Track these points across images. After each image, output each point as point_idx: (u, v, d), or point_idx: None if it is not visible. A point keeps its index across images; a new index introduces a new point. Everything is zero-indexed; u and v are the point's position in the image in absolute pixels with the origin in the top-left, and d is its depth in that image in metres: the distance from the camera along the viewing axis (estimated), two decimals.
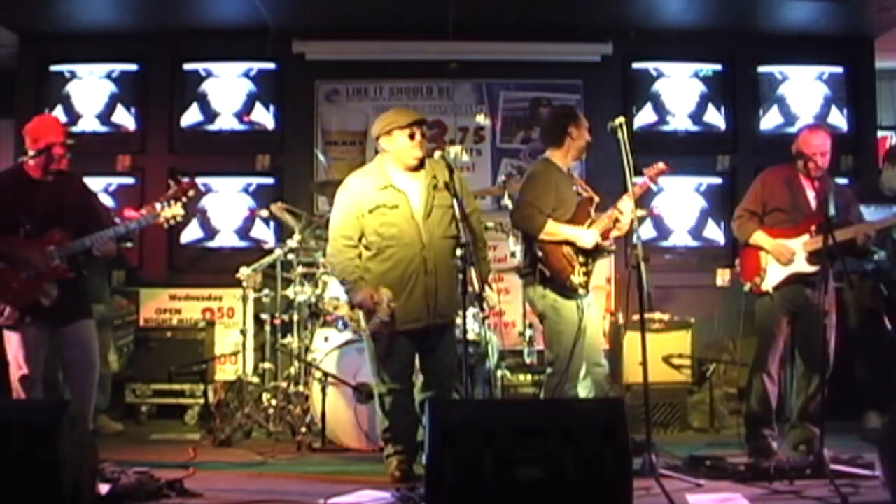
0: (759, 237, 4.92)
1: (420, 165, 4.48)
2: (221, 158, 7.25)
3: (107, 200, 6.70)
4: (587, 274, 4.71)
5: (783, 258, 4.83)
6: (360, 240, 4.44)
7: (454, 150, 7.12)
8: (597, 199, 4.85)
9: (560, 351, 4.68)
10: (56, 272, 4.46)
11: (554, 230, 4.64)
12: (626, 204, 4.67)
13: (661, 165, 4.79)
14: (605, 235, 4.73)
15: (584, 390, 4.80)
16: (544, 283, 4.68)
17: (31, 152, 4.51)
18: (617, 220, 4.71)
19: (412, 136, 4.42)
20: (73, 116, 7.20)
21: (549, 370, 4.81)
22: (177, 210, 4.66)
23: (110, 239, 4.53)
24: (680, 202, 7.32)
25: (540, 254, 4.65)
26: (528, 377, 5.83)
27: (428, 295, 4.40)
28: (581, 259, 4.67)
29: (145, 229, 4.79)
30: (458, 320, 4.42)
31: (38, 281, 4.43)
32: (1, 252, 4.41)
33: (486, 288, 4.60)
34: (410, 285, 4.39)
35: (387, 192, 4.43)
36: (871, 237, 4.87)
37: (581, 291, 4.70)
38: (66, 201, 4.59)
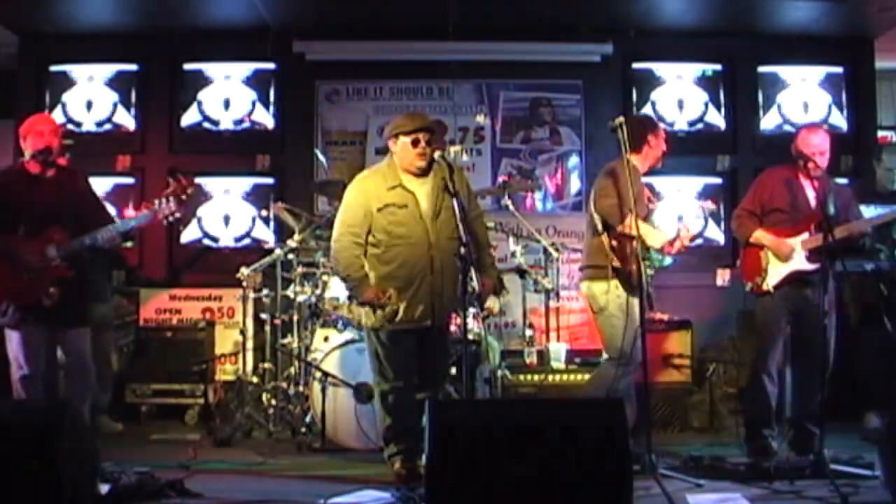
0: (760, 235, 4.92)
1: (427, 169, 4.49)
2: (221, 158, 7.25)
3: (106, 200, 6.70)
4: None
5: (782, 253, 4.83)
6: (366, 238, 4.46)
7: (454, 150, 7.12)
8: (655, 207, 4.91)
9: (624, 346, 4.63)
10: (56, 272, 4.45)
11: (632, 224, 4.58)
12: (694, 225, 4.72)
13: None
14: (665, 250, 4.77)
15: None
16: (612, 277, 4.69)
17: (27, 153, 4.53)
18: (678, 238, 4.70)
19: (416, 143, 4.42)
20: (73, 117, 7.20)
21: (610, 365, 4.73)
22: (174, 206, 4.65)
23: (118, 234, 4.56)
24: (680, 202, 7.32)
25: (615, 243, 4.69)
26: (529, 377, 5.82)
27: (434, 294, 4.42)
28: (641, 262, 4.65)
29: (146, 229, 4.79)
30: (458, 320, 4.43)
31: (38, 280, 4.43)
32: (2, 251, 4.42)
33: (492, 296, 4.60)
34: (416, 284, 4.40)
35: (396, 191, 4.45)
36: (867, 232, 4.87)
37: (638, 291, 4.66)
38: (66, 194, 4.59)
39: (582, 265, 5.01)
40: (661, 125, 5.05)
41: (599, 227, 4.81)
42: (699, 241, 7.25)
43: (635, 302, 4.66)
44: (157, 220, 4.66)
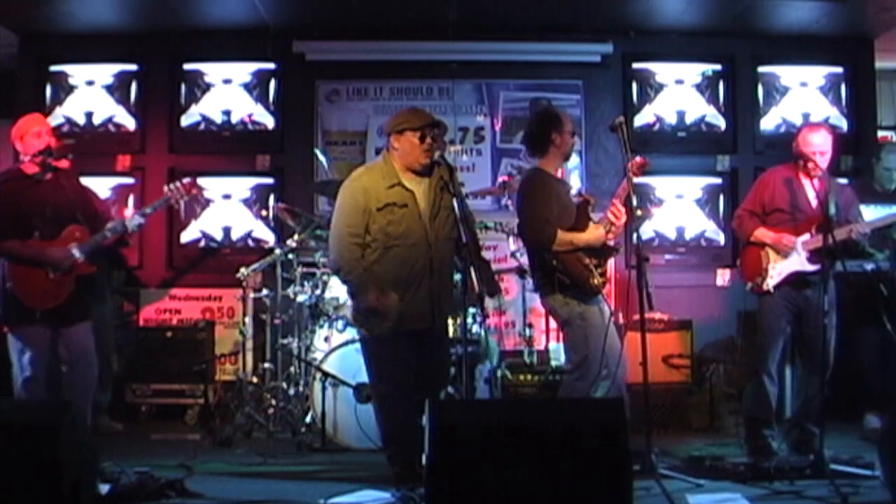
0: (761, 233, 4.91)
1: (431, 167, 4.39)
2: (221, 158, 7.25)
3: (107, 200, 6.70)
4: (603, 275, 4.59)
5: (783, 248, 4.82)
6: (364, 238, 4.35)
7: (454, 150, 7.12)
8: (593, 200, 4.76)
9: (588, 354, 4.53)
10: (80, 269, 4.48)
11: (565, 239, 4.52)
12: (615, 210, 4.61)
13: (639, 159, 4.62)
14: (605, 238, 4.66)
15: (601, 390, 4.66)
16: (564, 291, 4.55)
17: (22, 155, 4.54)
18: (612, 224, 4.62)
19: (422, 139, 4.33)
20: (73, 116, 7.20)
21: (573, 374, 4.64)
22: (183, 190, 4.73)
23: (135, 225, 4.64)
24: (680, 202, 7.32)
25: (555, 262, 4.51)
26: (529, 377, 5.82)
27: (432, 296, 4.35)
28: (594, 261, 4.56)
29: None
30: (458, 320, 4.39)
31: (64, 281, 4.45)
32: (30, 257, 4.42)
33: (488, 295, 4.54)
34: (415, 286, 4.32)
35: (396, 190, 4.34)
36: (866, 234, 4.86)
37: (601, 294, 4.60)
38: (71, 193, 4.62)
39: (533, 283, 4.84)
40: (566, 115, 4.76)
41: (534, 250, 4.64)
42: (698, 242, 7.30)
43: (595, 310, 4.59)
44: (171, 202, 4.73)
